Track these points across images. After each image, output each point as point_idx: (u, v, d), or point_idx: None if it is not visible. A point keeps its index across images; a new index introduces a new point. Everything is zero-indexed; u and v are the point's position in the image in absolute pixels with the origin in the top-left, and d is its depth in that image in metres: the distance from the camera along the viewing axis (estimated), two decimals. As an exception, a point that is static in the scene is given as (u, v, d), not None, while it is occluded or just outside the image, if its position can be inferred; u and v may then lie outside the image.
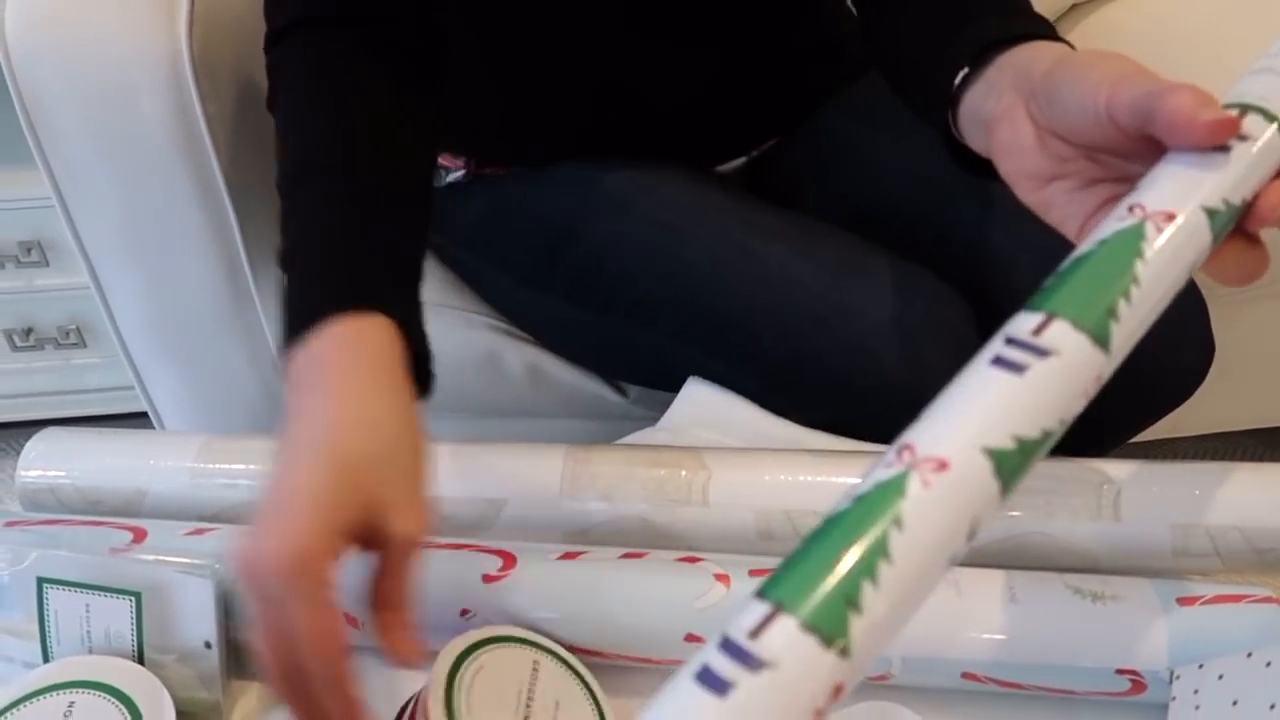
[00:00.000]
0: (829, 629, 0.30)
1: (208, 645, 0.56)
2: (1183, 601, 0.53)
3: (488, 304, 0.95)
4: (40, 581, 0.57)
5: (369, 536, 0.48)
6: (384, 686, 0.54)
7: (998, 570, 0.56)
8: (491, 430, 1.01)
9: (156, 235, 0.93)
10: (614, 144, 0.84)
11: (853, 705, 0.51)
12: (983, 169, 0.56)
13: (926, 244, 0.77)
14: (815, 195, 0.87)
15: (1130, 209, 0.42)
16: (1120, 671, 0.53)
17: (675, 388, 0.76)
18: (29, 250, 1.29)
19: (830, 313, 0.70)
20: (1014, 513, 0.59)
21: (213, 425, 1.03)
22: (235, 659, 0.58)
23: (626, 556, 0.59)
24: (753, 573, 0.57)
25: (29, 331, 1.37)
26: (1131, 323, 0.39)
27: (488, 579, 0.57)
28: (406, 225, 0.60)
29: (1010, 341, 0.38)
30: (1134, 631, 0.53)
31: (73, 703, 0.53)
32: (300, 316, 0.52)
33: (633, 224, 0.80)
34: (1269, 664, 0.49)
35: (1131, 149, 0.46)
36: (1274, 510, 0.57)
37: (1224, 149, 0.43)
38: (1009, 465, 0.35)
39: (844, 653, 0.30)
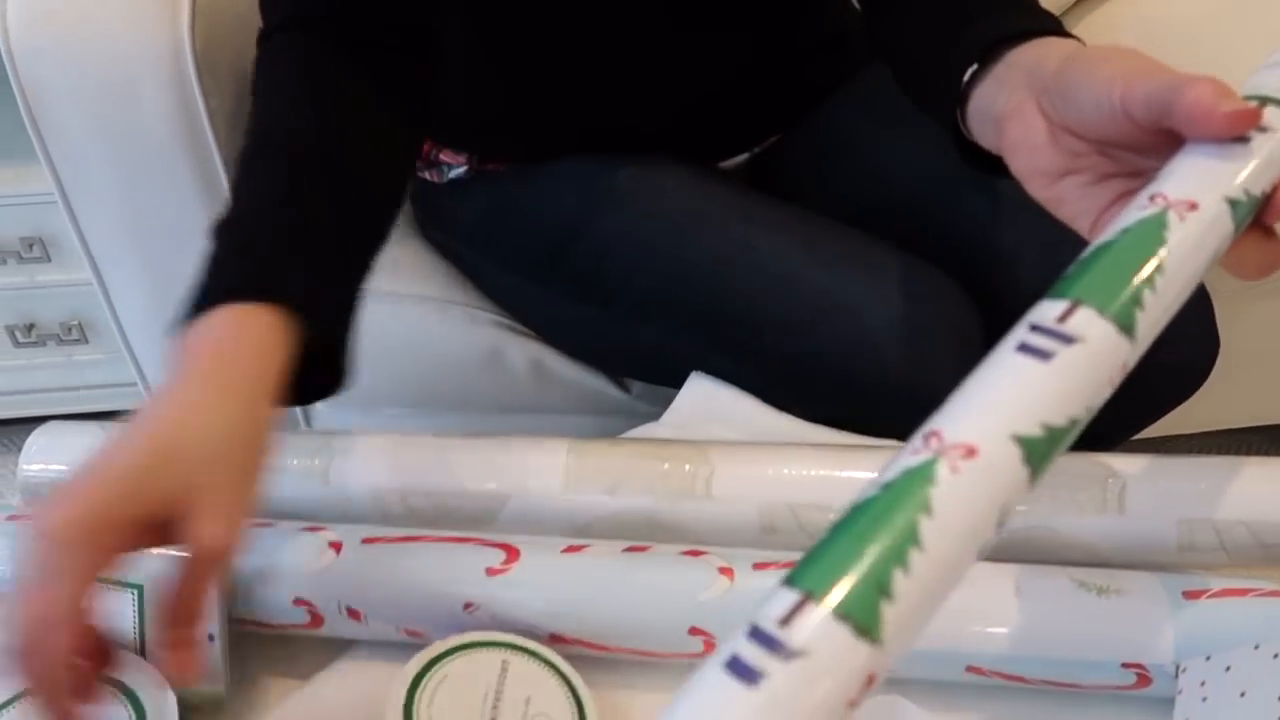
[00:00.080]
0: (862, 617, 0.29)
1: (210, 638, 0.55)
2: (1189, 595, 0.52)
3: (490, 300, 0.94)
4: (41, 572, 0.55)
5: (172, 535, 0.45)
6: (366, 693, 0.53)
7: (1002, 564, 0.55)
8: (494, 426, 1.00)
9: (159, 231, 0.92)
10: (619, 140, 0.83)
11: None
12: (992, 166, 0.55)
13: (930, 238, 0.76)
14: (817, 190, 0.86)
15: (1152, 198, 0.41)
16: (1126, 665, 0.52)
17: (678, 383, 0.75)
18: (31, 246, 1.28)
19: (833, 308, 0.69)
20: (1018, 506, 0.57)
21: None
22: (237, 652, 0.57)
23: (629, 550, 0.57)
24: (757, 566, 0.56)
25: (31, 328, 1.35)
26: (1156, 311, 0.38)
27: (491, 572, 0.56)
28: (350, 226, 0.57)
29: (1035, 328, 0.36)
30: (1140, 625, 0.52)
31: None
32: (198, 295, 0.50)
33: (635, 219, 0.79)
34: (1277, 656, 0.47)
35: (1145, 143, 0.45)
36: (1281, 505, 0.56)
37: (1243, 140, 0.42)
38: (1038, 452, 0.33)
39: (876, 642, 0.29)
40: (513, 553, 0.57)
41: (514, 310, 0.93)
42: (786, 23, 0.84)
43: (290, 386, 0.51)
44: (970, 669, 0.53)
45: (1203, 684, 0.49)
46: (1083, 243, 0.43)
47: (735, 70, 0.84)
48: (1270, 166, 0.42)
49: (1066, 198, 0.49)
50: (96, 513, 0.42)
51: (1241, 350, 0.86)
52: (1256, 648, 0.48)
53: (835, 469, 0.60)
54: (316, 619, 0.56)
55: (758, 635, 0.28)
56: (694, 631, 0.54)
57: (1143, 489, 0.57)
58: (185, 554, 0.45)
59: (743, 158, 0.92)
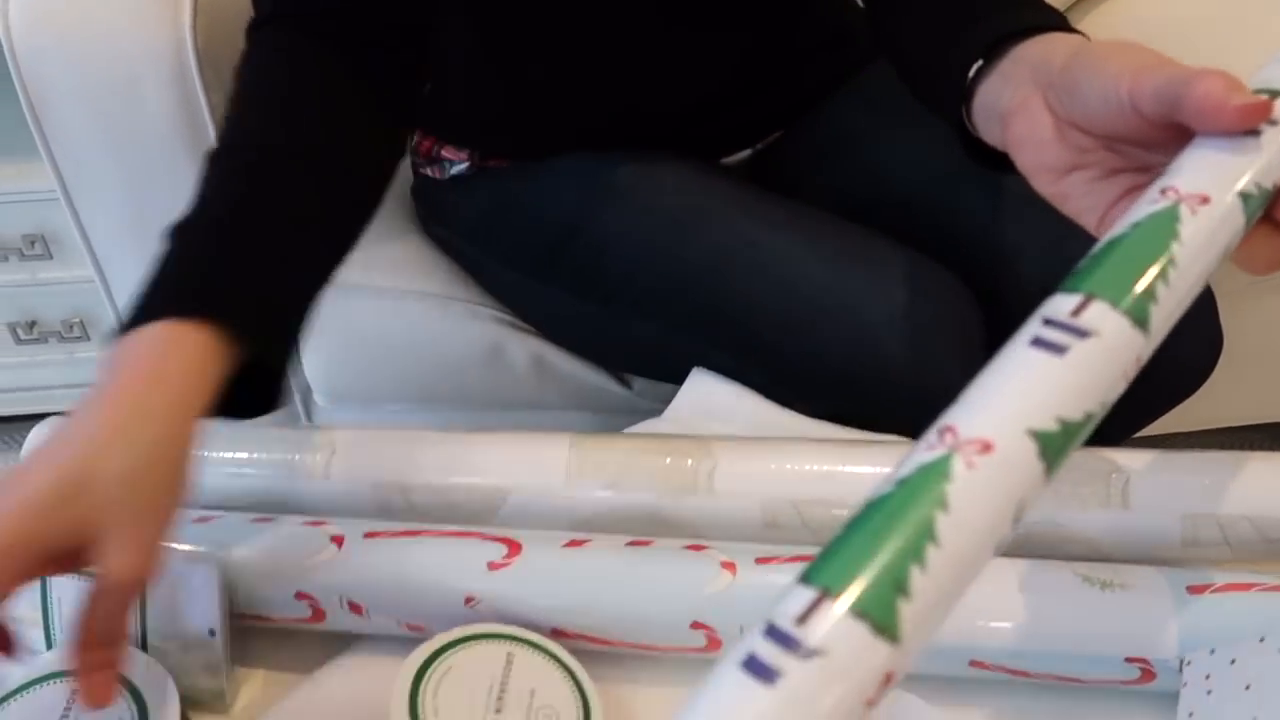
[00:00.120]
0: (879, 615, 0.28)
1: (211, 633, 0.54)
2: (1193, 589, 0.51)
3: (491, 296, 0.93)
4: (42, 568, 0.54)
5: (84, 561, 0.44)
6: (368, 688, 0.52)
7: (1005, 558, 0.54)
8: (495, 423, 1.00)
9: (161, 227, 0.91)
10: (620, 137, 0.82)
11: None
12: (997, 163, 0.54)
13: (931, 234, 0.75)
14: (819, 187, 0.85)
15: (1163, 192, 0.40)
16: (1130, 660, 0.51)
17: (679, 380, 0.74)
18: (33, 243, 1.27)
19: (834, 304, 0.69)
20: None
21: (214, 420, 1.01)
22: (239, 647, 0.56)
23: (631, 545, 0.56)
24: (759, 560, 0.55)
25: (32, 325, 1.34)
26: (1169, 304, 0.37)
27: (492, 566, 0.55)
28: (311, 237, 0.56)
29: (1049, 323, 0.35)
30: (1144, 619, 0.51)
31: (76, 690, 0.51)
32: (135, 307, 0.48)
33: (636, 216, 0.78)
34: (1282, 650, 0.47)
35: (1153, 138, 0.45)
36: (1284, 500, 0.55)
37: (1254, 134, 0.41)
38: (1053, 447, 0.33)
39: (894, 639, 0.28)
40: (514, 547, 0.56)
41: (515, 306, 0.92)
42: (788, 21, 0.83)
43: (223, 402, 0.49)
44: (974, 663, 0.53)
45: (1208, 677, 0.48)
46: (1087, 238, 0.43)
47: (737, 68, 0.83)
48: None
49: (1073, 193, 0.48)
50: (1, 543, 0.41)
51: (1244, 348, 0.85)
52: (1262, 640, 0.48)
53: (838, 464, 0.59)
54: (318, 613, 0.56)
55: (774, 634, 0.27)
56: (696, 626, 0.53)
57: (1146, 484, 0.56)
58: (97, 581, 0.44)
59: (744, 154, 0.91)
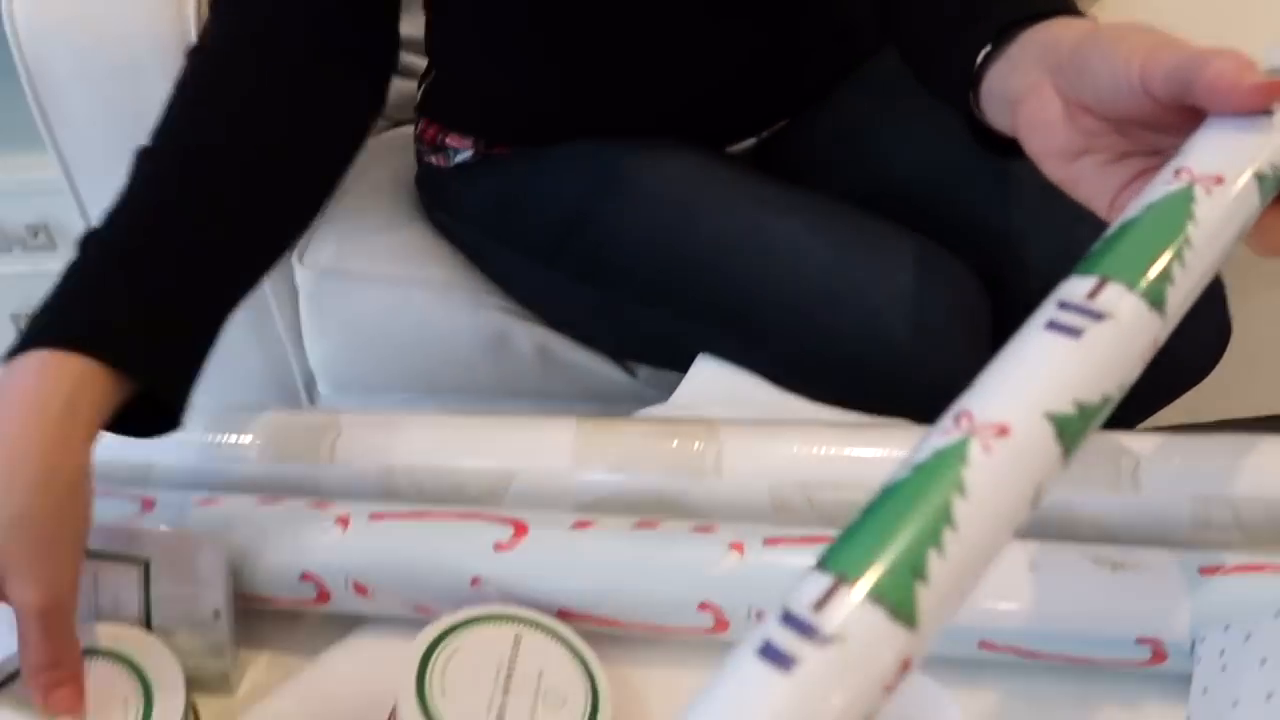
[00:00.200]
0: (896, 600, 0.27)
1: (216, 615, 0.53)
2: (1205, 570, 0.50)
3: (496, 284, 0.92)
4: (49, 551, 0.53)
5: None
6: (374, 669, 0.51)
7: (1015, 540, 0.53)
8: (499, 411, 0.99)
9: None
10: (626, 124, 0.81)
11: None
12: (1005, 149, 0.53)
13: (938, 222, 0.74)
14: (825, 175, 0.84)
15: (1176, 173, 0.39)
16: (1141, 640, 0.50)
17: (685, 368, 0.73)
18: (36, 233, 1.26)
19: (841, 290, 0.68)
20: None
21: (219, 405, 1.01)
22: (244, 628, 0.56)
23: (639, 526, 0.56)
24: (768, 541, 0.54)
25: (37, 314, 1.33)
26: (1185, 286, 0.36)
27: (499, 547, 0.54)
28: (231, 252, 0.55)
29: (1064, 305, 0.35)
30: (1155, 600, 0.50)
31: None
32: (29, 328, 0.47)
33: (641, 202, 0.77)
34: (1298, 625, 0.46)
35: (1164, 120, 0.44)
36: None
37: (1267, 114, 0.40)
38: (1071, 430, 0.32)
39: (912, 625, 0.27)
40: (521, 528, 0.55)
41: (520, 294, 0.91)
42: (794, 10, 0.82)
43: (119, 423, 0.49)
44: (983, 644, 0.52)
45: (1222, 652, 0.47)
46: (1096, 225, 0.42)
47: (743, 57, 0.82)
48: None
49: (1083, 178, 0.47)
50: None
51: (1254, 339, 0.84)
52: (1277, 615, 0.47)
53: (846, 447, 0.59)
54: (324, 594, 0.55)
55: (791, 620, 0.27)
56: (704, 607, 0.53)
57: (1157, 466, 0.55)
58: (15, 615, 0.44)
59: (750, 143, 0.90)
